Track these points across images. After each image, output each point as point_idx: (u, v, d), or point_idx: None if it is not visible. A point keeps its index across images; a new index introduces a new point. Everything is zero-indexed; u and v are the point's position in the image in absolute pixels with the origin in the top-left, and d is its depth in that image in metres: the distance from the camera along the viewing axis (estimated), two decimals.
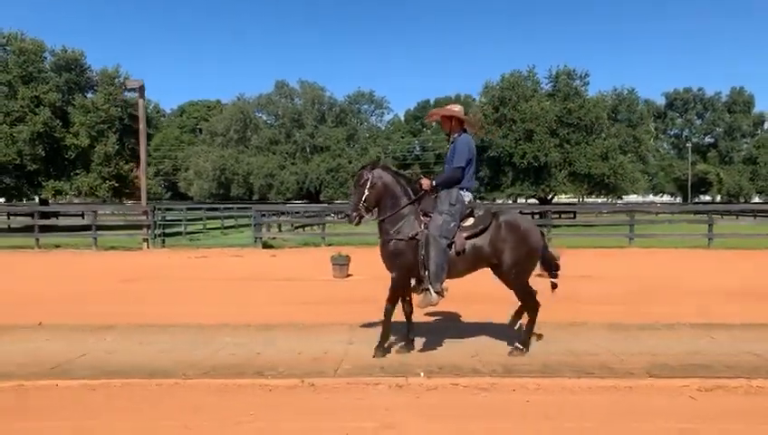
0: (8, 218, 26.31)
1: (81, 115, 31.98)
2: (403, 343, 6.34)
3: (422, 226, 5.90)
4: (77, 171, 32.15)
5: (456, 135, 6.19)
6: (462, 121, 6.24)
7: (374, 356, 5.98)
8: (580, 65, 41.90)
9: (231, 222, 32.11)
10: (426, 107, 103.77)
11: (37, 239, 20.10)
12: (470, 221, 6.05)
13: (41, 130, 29.88)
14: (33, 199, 34.72)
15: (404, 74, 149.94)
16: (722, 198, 72.60)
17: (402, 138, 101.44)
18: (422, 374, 5.46)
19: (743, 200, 71.40)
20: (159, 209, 20.80)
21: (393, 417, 4.55)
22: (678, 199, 78.74)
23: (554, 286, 6.36)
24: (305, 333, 7.17)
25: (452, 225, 5.85)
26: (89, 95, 34.40)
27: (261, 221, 20.64)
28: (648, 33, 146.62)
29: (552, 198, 38.15)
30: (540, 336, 6.67)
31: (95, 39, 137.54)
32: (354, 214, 6.05)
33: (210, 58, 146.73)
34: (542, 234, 6.28)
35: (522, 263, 6.02)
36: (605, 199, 42.87)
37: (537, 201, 38.68)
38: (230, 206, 37.04)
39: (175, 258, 17.16)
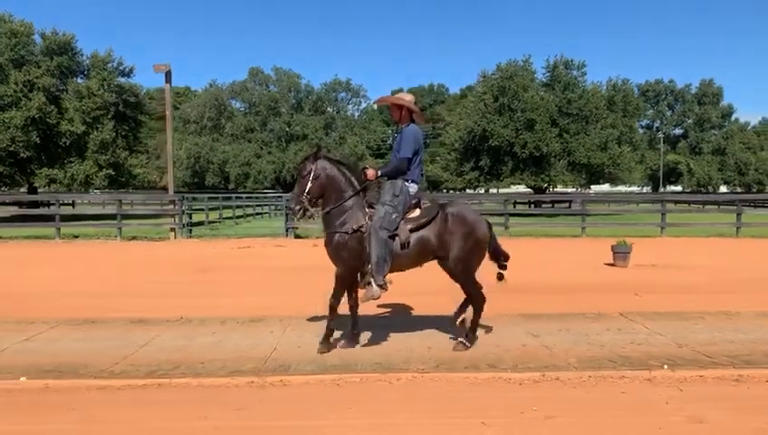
0: (20, 208, 25.14)
1: (76, 101, 30.88)
2: (347, 338, 6.17)
3: (367, 218, 5.73)
4: (71, 159, 31.01)
5: (403, 125, 6.02)
6: (411, 111, 6.05)
7: (318, 351, 5.82)
8: (544, 56, 41.76)
9: (231, 211, 31.50)
10: None
11: (58, 229, 19.33)
12: (416, 213, 5.88)
13: (35, 115, 28.68)
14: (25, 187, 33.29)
15: (378, 63, 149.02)
16: (691, 188, 74.71)
17: (376, 129, 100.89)
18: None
19: (711, 190, 73.67)
20: (186, 199, 20.19)
21: None
22: (647, 189, 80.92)
23: (500, 277, 6.23)
24: None
25: (394, 216, 5.67)
26: (79, 80, 33.17)
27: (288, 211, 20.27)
28: (620, 24, 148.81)
29: (547, 188, 38.55)
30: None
31: (56, 21, 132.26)
32: (297, 207, 5.89)
33: (178, 44, 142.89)
34: (489, 225, 6.13)
35: (469, 256, 5.86)
36: (578, 190, 42.92)
37: (532, 190, 39.02)
38: (240, 195, 36.33)
39: (218, 248, 16.74)
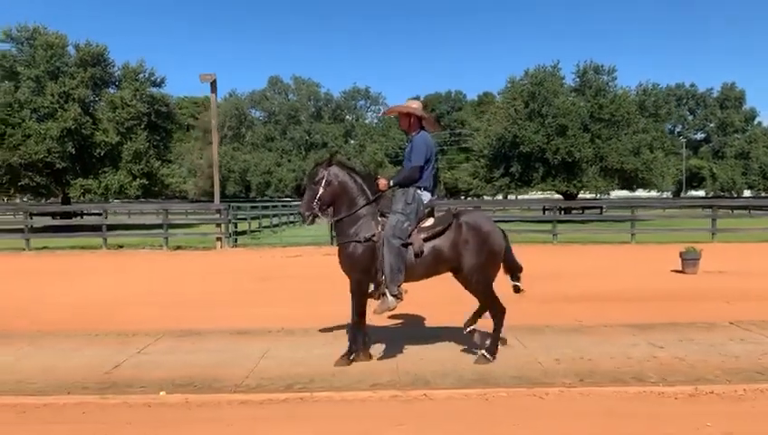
0: (81, 218, 25.25)
1: (109, 111, 31.04)
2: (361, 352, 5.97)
3: (379, 227, 5.62)
4: (105, 169, 31.13)
5: (413, 133, 5.90)
6: (420, 119, 5.94)
7: (335, 364, 5.73)
8: (572, 62, 41.41)
9: (269, 220, 31.48)
10: None
11: (105, 239, 19.40)
12: (429, 222, 5.77)
13: (71, 126, 28.84)
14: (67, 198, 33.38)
15: (396, 70, 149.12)
16: (714, 192, 73.92)
17: (395, 136, 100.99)
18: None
19: (734, 195, 72.85)
20: (231, 208, 20.16)
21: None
22: (667, 195, 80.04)
23: (517, 289, 6.06)
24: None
25: (405, 225, 5.55)
26: (111, 91, 33.38)
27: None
28: (641, 28, 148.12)
29: (577, 193, 38.23)
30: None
31: (79, 32, 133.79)
32: (307, 213, 5.78)
33: (195, 53, 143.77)
34: (505, 235, 5.97)
35: (484, 266, 5.71)
36: (597, 196, 42.25)
37: (561, 196, 38.71)
38: (275, 203, 36.33)
39: (267, 257, 16.69)
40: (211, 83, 19.56)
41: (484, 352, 5.82)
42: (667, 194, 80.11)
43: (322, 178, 5.75)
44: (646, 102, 36.82)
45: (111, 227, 20.82)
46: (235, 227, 20.19)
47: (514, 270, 6.09)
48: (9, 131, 28.43)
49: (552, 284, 10.93)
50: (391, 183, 5.83)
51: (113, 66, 33.47)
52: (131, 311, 8.94)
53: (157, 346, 6.61)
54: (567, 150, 33.49)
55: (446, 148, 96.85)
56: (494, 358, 5.77)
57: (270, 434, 4.31)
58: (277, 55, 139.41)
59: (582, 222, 27.34)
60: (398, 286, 5.53)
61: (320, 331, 7.09)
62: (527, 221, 27.81)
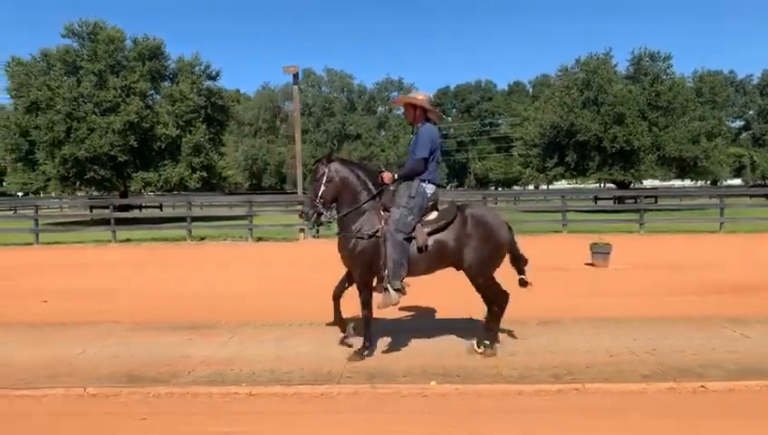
0: (141, 211, 25.55)
1: (168, 105, 31.22)
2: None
3: (382, 222, 5.57)
4: (164, 162, 31.38)
5: (419, 125, 5.81)
6: (426, 111, 5.85)
7: (348, 359, 5.67)
8: (600, 48, 40.74)
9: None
10: (446, 93, 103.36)
11: (189, 231, 19.57)
12: (433, 215, 5.70)
13: (134, 120, 29.08)
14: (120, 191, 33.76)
15: (424, 61, 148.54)
16: (755, 181, 72.64)
17: None
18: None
19: None
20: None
21: None
22: (701, 183, 78.64)
23: (523, 283, 5.95)
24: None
25: (410, 219, 5.50)
26: (166, 84, 33.58)
27: None
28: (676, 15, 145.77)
29: (632, 182, 37.79)
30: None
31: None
32: (311, 211, 5.78)
33: (223, 46, 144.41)
34: (509, 228, 5.87)
35: (488, 259, 5.63)
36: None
37: (614, 185, 38.30)
38: None
39: None
40: (293, 75, 19.55)
41: (487, 342, 5.79)
42: (701, 183, 79.04)
43: (323, 174, 5.74)
44: (702, 89, 36.18)
45: (195, 219, 20.95)
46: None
47: (520, 263, 6.02)
48: (75, 125, 28.75)
49: (690, 274, 10.83)
50: (396, 176, 5.77)
51: (167, 59, 33.68)
52: (288, 302, 8.91)
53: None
54: (625, 139, 33.07)
55: (476, 138, 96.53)
56: (495, 351, 5.75)
57: (559, 425, 4.25)
58: (305, 47, 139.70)
59: (662, 211, 27.02)
60: (401, 281, 5.51)
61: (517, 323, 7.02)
62: (604, 211, 27.58)
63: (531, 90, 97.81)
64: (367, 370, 5.41)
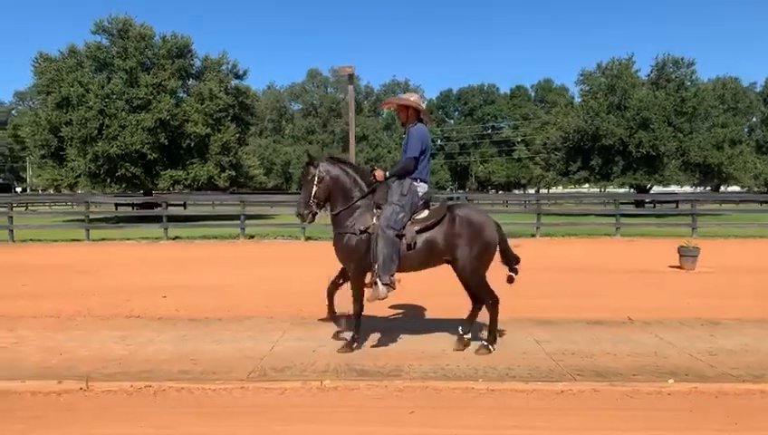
0: (166, 209, 25.36)
1: (197, 103, 31.05)
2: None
3: (374, 219, 5.72)
4: (193, 160, 31.20)
5: (410, 125, 6.00)
6: (418, 111, 6.04)
7: (338, 351, 5.88)
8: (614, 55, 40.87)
9: None
10: (449, 96, 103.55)
11: (243, 229, 19.52)
12: (424, 214, 5.86)
13: (164, 117, 28.92)
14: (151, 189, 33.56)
15: (428, 63, 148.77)
16: (758, 187, 73.23)
17: (433, 129, 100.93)
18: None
19: None
20: None
21: None
22: (700, 189, 79.30)
23: (511, 280, 6.10)
24: None
25: (400, 216, 5.66)
26: (191, 82, 33.43)
27: None
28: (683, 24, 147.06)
29: (651, 187, 38.03)
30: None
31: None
32: (306, 211, 5.88)
33: (228, 45, 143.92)
34: (499, 227, 6.01)
35: (477, 258, 5.76)
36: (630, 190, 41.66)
37: (634, 190, 38.46)
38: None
39: None
40: (349, 76, 19.51)
41: (484, 341, 5.93)
42: (700, 189, 79.69)
43: (314, 175, 5.85)
44: (725, 96, 36.51)
45: (249, 217, 20.92)
46: None
47: (511, 261, 6.14)
48: (107, 122, 28.56)
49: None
50: (387, 174, 5.93)
51: (194, 57, 33.53)
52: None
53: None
54: (651, 144, 33.28)
55: (478, 141, 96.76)
56: (493, 348, 5.86)
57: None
58: (311, 47, 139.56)
59: (705, 215, 27.24)
60: (391, 276, 5.62)
61: (645, 323, 7.05)
62: (648, 215, 27.74)
63: (533, 94, 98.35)
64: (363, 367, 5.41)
